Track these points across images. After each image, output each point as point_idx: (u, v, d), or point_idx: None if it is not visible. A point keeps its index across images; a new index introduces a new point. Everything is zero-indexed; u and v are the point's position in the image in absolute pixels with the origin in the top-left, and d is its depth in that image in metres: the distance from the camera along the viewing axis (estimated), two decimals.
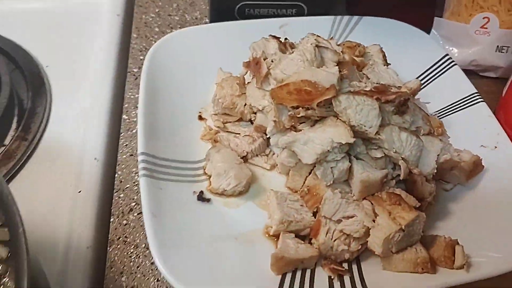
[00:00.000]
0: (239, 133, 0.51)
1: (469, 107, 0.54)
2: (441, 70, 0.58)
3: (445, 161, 0.46)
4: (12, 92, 0.60)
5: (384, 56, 0.54)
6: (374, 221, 0.42)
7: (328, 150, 0.43)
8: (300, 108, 0.44)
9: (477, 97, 0.54)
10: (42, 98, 0.62)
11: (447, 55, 0.58)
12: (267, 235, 0.45)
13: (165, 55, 0.56)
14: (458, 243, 0.42)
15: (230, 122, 0.53)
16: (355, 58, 0.52)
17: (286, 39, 0.53)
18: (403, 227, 0.41)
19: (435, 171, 0.45)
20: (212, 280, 0.40)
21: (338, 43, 0.55)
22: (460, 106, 0.54)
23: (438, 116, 0.55)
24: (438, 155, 0.46)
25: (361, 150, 0.45)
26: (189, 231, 0.43)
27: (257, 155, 0.51)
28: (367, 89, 0.47)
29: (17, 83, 0.63)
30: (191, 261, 0.40)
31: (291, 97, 0.45)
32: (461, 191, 0.49)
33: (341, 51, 0.52)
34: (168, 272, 0.38)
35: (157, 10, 0.73)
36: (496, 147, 0.50)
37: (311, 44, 0.48)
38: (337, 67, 0.46)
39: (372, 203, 0.43)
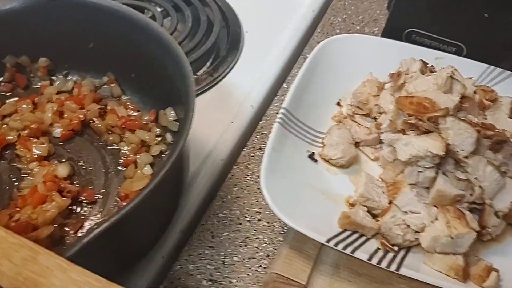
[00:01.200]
0: (361, 125, 0.63)
1: None
2: None
3: None
4: (216, 40, 0.80)
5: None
6: (432, 222, 0.51)
7: (421, 156, 0.52)
8: (414, 116, 0.54)
9: None
10: (234, 53, 0.80)
11: None
12: (347, 203, 0.56)
13: (331, 49, 0.70)
14: (496, 270, 0.48)
15: (359, 114, 0.64)
16: (484, 100, 0.60)
17: (432, 66, 0.63)
18: (452, 235, 0.49)
19: (507, 211, 0.51)
20: (295, 209, 0.52)
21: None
22: None
23: None
24: None
25: (449, 169, 0.53)
26: (293, 173, 0.57)
27: (368, 146, 0.62)
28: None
29: (222, 36, 0.83)
30: (285, 190, 0.54)
31: (410, 107, 0.55)
32: None
33: (474, 91, 0.60)
34: (266, 191, 0.52)
35: (344, 16, 0.87)
36: None
37: (447, 73, 0.57)
38: (458, 97, 0.55)
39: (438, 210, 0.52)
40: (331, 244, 0.49)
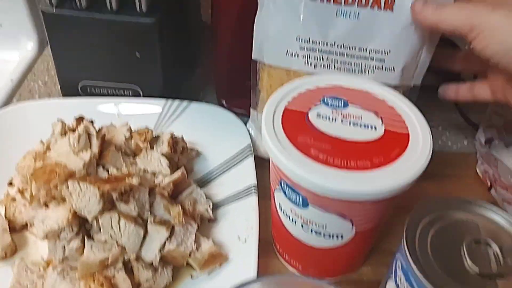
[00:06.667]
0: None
1: (243, 199, 0.57)
2: (241, 159, 0.62)
3: (171, 251, 0.49)
4: None
5: (171, 143, 0.58)
6: None
7: (56, 230, 0.48)
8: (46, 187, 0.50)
9: (253, 189, 0.57)
10: None
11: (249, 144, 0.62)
12: None
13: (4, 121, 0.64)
14: None
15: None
16: (140, 143, 0.57)
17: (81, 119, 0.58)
18: None
19: (158, 259, 0.49)
20: None
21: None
22: (238, 197, 0.58)
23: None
24: (164, 244, 0.49)
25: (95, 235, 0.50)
26: None
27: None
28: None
29: None
30: None
31: (43, 176, 0.51)
32: (204, 280, 0.52)
33: (130, 136, 0.58)
34: None
35: (46, 79, 0.82)
36: (246, 240, 0.53)
37: (79, 131, 0.54)
38: (89, 153, 0.52)
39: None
40: None
